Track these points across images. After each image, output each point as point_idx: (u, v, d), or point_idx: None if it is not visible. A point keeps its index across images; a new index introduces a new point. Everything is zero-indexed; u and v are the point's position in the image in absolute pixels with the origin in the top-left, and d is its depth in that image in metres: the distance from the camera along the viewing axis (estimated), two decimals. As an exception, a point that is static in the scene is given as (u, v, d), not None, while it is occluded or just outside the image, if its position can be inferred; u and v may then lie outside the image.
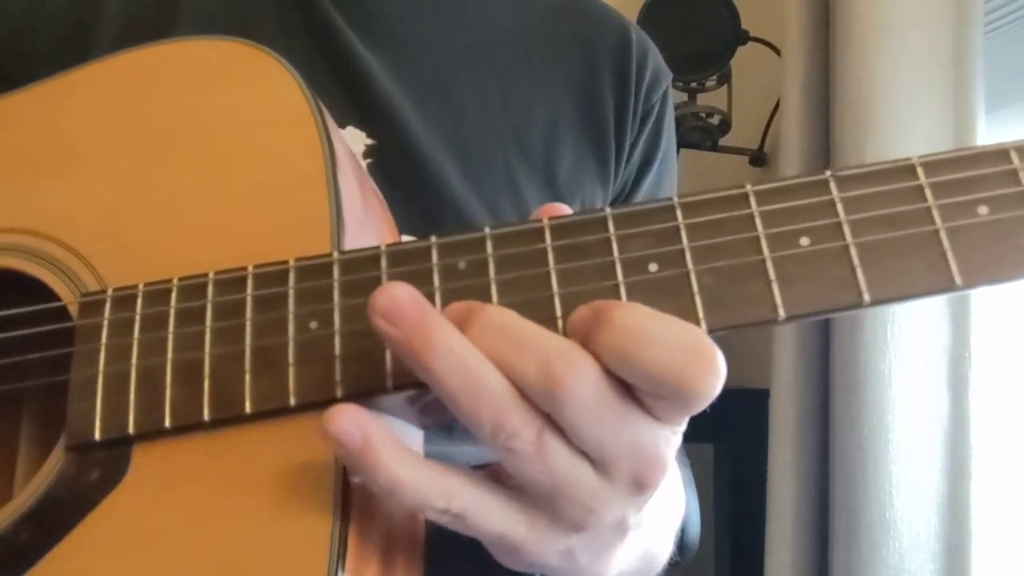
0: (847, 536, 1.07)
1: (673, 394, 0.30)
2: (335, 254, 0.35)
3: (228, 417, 0.34)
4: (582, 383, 0.30)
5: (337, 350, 0.34)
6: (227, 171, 0.40)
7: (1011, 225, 0.32)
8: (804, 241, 0.32)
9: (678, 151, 1.27)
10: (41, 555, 0.34)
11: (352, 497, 0.33)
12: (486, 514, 0.32)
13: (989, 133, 1.11)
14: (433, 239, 0.35)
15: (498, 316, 0.31)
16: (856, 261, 0.32)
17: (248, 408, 0.34)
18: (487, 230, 0.34)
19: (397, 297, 0.31)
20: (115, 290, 0.37)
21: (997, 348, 1.08)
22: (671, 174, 0.70)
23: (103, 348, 0.36)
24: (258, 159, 0.40)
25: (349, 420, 0.30)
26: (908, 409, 1.05)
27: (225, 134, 0.41)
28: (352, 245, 0.37)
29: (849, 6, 1.12)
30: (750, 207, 0.33)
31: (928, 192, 0.33)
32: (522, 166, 0.60)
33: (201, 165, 0.40)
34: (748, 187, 0.34)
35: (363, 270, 0.35)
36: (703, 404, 0.30)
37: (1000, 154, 0.33)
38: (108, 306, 0.37)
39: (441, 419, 0.38)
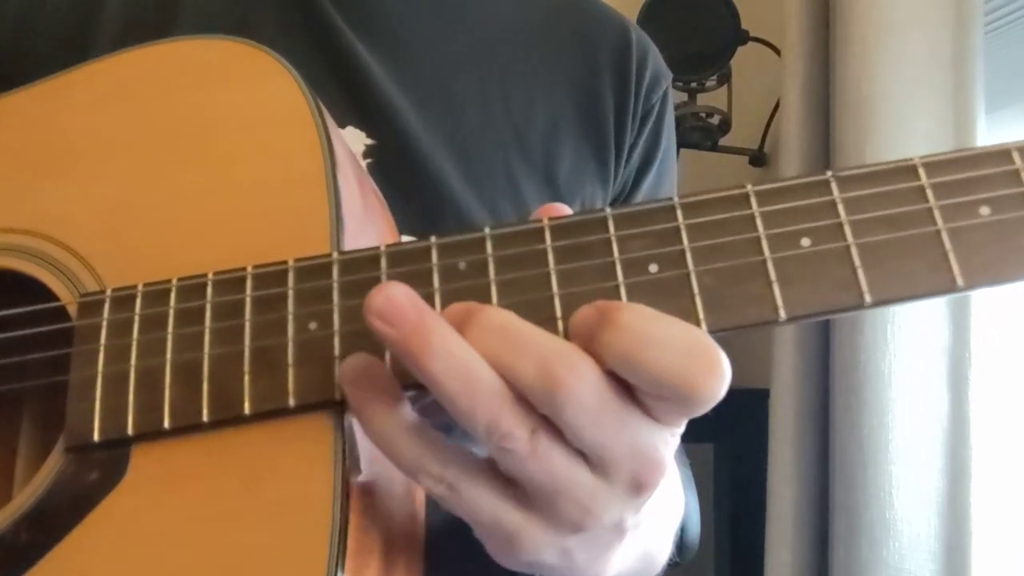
0: (847, 536, 1.07)
1: (677, 397, 0.30)
2: (335, 254, 0.35)
3: (227, 418, 0.34)
4: (582, 385, 0.30)
5: (337, 351, 0.34)
6: (226, 171, 0.40)
7: (1013, 226, 0.32)
8: (805, 242, 0.32)
9: (678, 151, 1.27)
10: (40, 555, 0.34)
11: (352, 498, 0.33)
12: (481, 492, 0.32)
13: (989, 133, 1.11)
14: (433, 239, 0.35)
15: (497, 317, 0.31)
16: (857, 262, 0.32)
17: (247, 409, 0.34)
18: (487, 230, 0.34)
19: (394, 297, 0.31)
20: (114, 290, 0.37)
21: (997, 348, 1.08)
22: (671, 174, 0.70)
23: (102, 349, 0.36)
24: (258, 159, 0.40)
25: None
26: (908, 409, 1.04)
27: (225, 134, 0.41)
28: (352, 245, 0.37)
29: (849, 6, 1.12)
30: (751, 207, 0.33)
31: (930, 193, 0.32)
32: (522, 166, 0.60)
33: (200, 165, 0.40)
34: (749, 187, 0.33)
35: (363, 271, 0.35)
36: (707, 407, 0.30)
37: (1002, 154, 0.33)
38: (107, 306, 0.37)
39: (440, 420, 0.38)
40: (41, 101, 0.44)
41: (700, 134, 1.53)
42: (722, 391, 0.30)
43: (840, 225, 0.32)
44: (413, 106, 0.58)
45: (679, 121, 1.44)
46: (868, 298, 0.32)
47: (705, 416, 0.31)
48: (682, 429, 0.33)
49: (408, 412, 0.32)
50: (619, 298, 0.33)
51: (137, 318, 0.36)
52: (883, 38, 1.08)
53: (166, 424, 0.34)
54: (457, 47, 0.61)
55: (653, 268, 0.33)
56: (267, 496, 0.33)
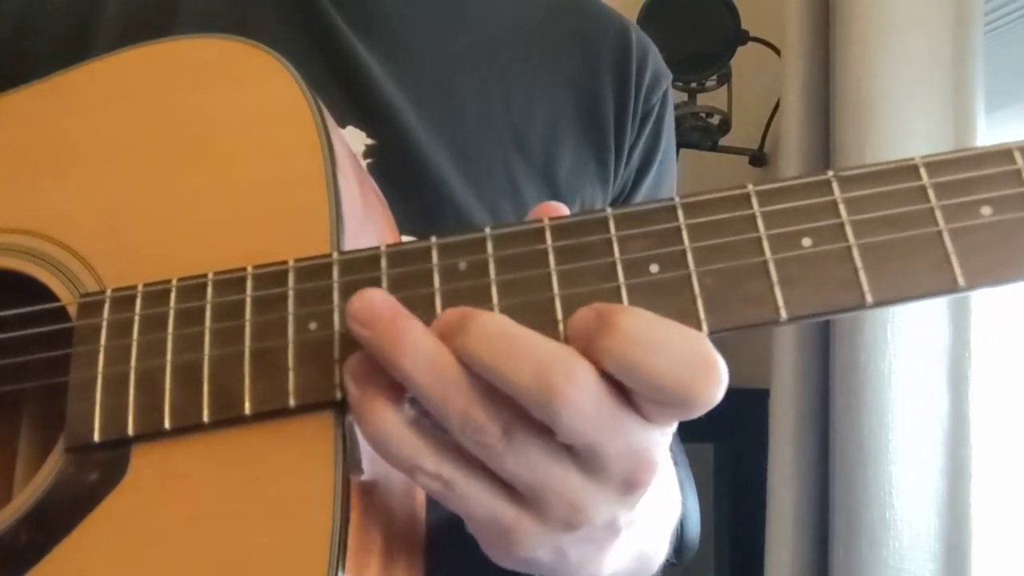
0: (847, 536, 1.07)
1: (675, 402, 0.30)
2: (335, 255, 0.35)
3: (228, 418, 0.34)
4: (578, 392, 0.30)
5: (337, 351, 0.34)
6: (226, 171, 0.39)
7: (1014, 226, 0.32)
8: (806, 242, 0.32)
9: (678, 151, 1.27)
10: (41, 556, 0.34)
11: (352, 497, 0.33)
12: (475, 489, 0.32)
13: (989, 133, 1.11)
14: (433, 239, 0.35)
15: (493, 323, 0.31)
16: (859, 262, 0.32)
17: (248, 409, 0.34)
18: (487, 230, 0.34)
19: (369, 301, 0.32)
20: (114, 291, 0.37)
21: (997, 348, 1.08)
22: (670, 175, 0.70)
23: (102, 349, 0.36)
24: (258, 159, 0.39)
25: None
26: (908, 409, 1.04)
27: (225, 133, 0.40)
28: (352, 245, 0.37)
29: (849, 6, 1.12)
30: (752, 208, 0.33)
31: (931, 193, 0.32)
32: (522, 166, 0.60)
33: (200, 165, 0.40)
34: (750, 187, 0.33)
35: (363, 271, 0.35)
36: (704, 411, 0.30)
37: (1003, 154, 0.33)
38: (107, 307, 0.36)
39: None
40: (41, 101, 0.44)
41: (700, 134, 1.53)
42: (719, 396, 0.30)
43: (841, 225, 0.32)
44: (413, 106, 0.58)
45: (679, 121, 1.44)
46: (869, 298, 0.32)
47: (705, 416, 0.31)
48: (673, 428, 0.33)
49: (405, 411, 0.32)
50: (620, 298, 0.33)
51: (137, 318, 0.36)
52: (883, 38, 1.08)
53: (166, 424, 0.34)
54: (457, 47, 0.61)
55: (654, 268, 0.33)
56: (268, 496, 0.33)
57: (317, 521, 0.32)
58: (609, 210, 0.34)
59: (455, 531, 0.35)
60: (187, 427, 0.34)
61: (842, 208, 0.33)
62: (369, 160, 0.55)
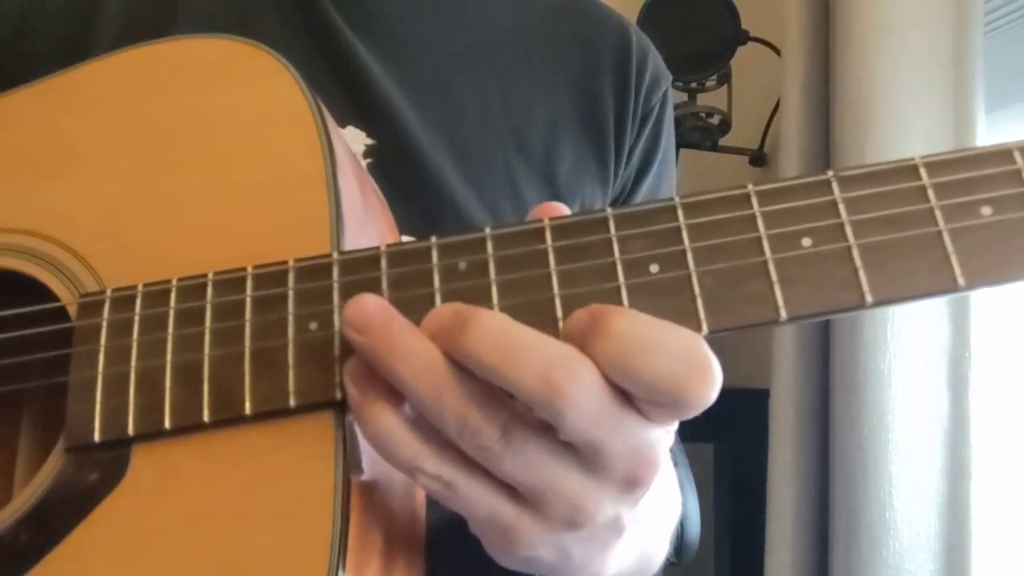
0: (847, 536, 1.07)
1: (671, 403, 0.30)
2: (335, 255, 0.35)
3: (228, 418, 0.34)
4: (582, 390, 0.30)
5: (337, 351, 0.34)
6: (226, 171, 0.39)
7: (1014, 226, 0.32)
8: (806, 242, 0.32)
9: (678, 151, 1.27)
10: (41, 556, 0.34)
11: (353, 497, 0.33)
12: (476, 489, 0.32)
13: (989, 133, 1.11)
14: (433, 239, 0.35)
15: (494, 322, 0.31)
16: (858, 262, 0.32)
17: (248, 409, 0.34)
18: (487, 230, 0.34)
19: (363, 306, 0.32)
20: (114, 291, 0.37)
21: (997, 348, 1.08)
22: (670, 176, 0.70)
23: (102, 349, 0.36)
24: (258, 159, 0.40)
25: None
26: (908, 409, 1.04)
27: (225, 133, 0.40)
28: (352, 245, 0.37)
29: (849, 6, 1.12)
30: (752, 208, 0.33)
31: (931, 193, 0.32)
32: (522, 166, 0.60)
33: (200, 165, 0.40)
34: (750, 187, 0.33)
35: (363, 271, 0.35)
36: (699, 411, 0.30)
37: (1003, 154, 0.33)
38: (107, 307, 0.36)
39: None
40: (41, 101, 0.44)
41: (700, 134, 1.53)
42: (714, 396, 0.30)
43: (841, 225, 0.32)
44: (413, 106, 0.58)
45: (679, 121, 1.44)
46: (869, 298, 0.32)
47: (705, 416, 0.31)
48: (675, 427, 0.33)
49: (405, 412, 0.32)
50: (620, 298, 0.33)
51: (137, 318, 0.36)
52: (883, 38, 1.08)
53: (167, 424, 0.34)
54: (457, 47, 0.61)
55: (654, 268, 0.33)
56: (268, 496, 0.33)
57: (317, 521, 0.32)
58: (609, 210, 0.34)
59: (455, 531, 0.35)
60: (187, 427, 0.34)
61: (842, 208, 0.33)
62: (369, 160, 0.56)
